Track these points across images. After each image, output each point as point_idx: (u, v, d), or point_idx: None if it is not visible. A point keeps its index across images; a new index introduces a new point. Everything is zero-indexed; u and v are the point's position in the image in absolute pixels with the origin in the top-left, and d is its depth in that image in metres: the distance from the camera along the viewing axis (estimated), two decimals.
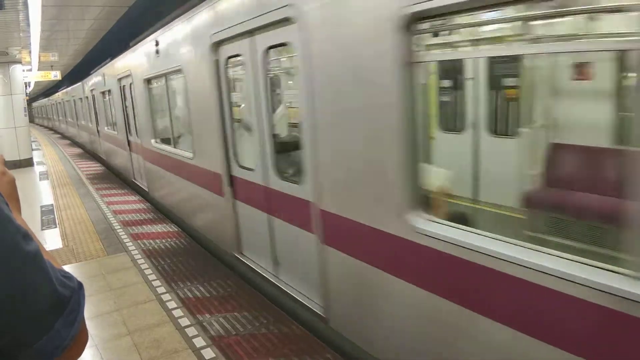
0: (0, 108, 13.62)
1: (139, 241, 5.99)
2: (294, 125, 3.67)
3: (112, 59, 9.44)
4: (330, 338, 3.26)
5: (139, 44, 7.14)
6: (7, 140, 13.71)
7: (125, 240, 6.06)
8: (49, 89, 35.48)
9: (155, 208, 7.69)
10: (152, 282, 4.64)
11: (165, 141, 6.82)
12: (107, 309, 4.11)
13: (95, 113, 13.33)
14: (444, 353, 2.37)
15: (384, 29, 2.29)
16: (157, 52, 6.16)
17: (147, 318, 3.90)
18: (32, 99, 46.74)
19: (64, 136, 26.90)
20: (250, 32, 3.63)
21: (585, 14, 3.26)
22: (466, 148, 5.28)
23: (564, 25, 3.46)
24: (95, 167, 13.44)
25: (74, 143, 21.51)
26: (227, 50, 4.13)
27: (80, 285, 0.82)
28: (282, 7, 3.05)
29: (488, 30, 4.02)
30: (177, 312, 3.96)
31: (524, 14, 2.86)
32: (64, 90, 22.89)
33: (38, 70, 17.07)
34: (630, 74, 3.42)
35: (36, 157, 15.56)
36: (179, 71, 5.40)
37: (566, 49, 4.04)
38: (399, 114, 2.32)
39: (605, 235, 3.26)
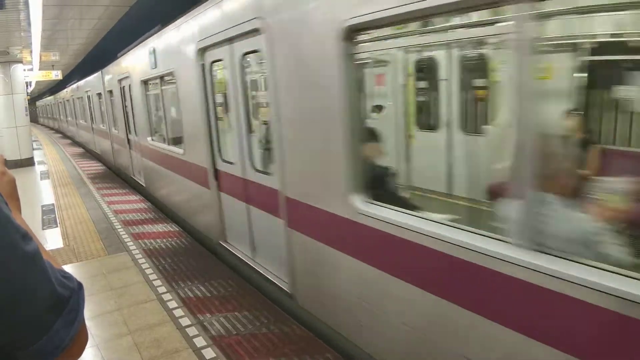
0: (1, 107, 13.64)
1: (139, 241, 5.99)
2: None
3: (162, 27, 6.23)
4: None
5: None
6: (8, 139, 13.73)
7: (126, 240, 6.06)
8: (54, 87, 31.46)
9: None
10: (153, 282, 4.64)
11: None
12: (108, 308, 4.11)
13: (125, 113, 9.36)
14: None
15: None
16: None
17: (147, 318, 3.90)
18: (35, 97, 44.48)
19: (76, 143, 21.05)
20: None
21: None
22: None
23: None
24: (96, 167, 13.44)
25: (96, 158, 15.46)
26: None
27: (80, 286, 0.82)
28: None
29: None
30: (178, 312, 3.96)
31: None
32: (75, 85, 18.19)
33: (39, 69, 17.08)
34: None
35: (37, 156, 15.58)
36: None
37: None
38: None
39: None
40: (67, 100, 22.01)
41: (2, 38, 11.23)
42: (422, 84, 6.31)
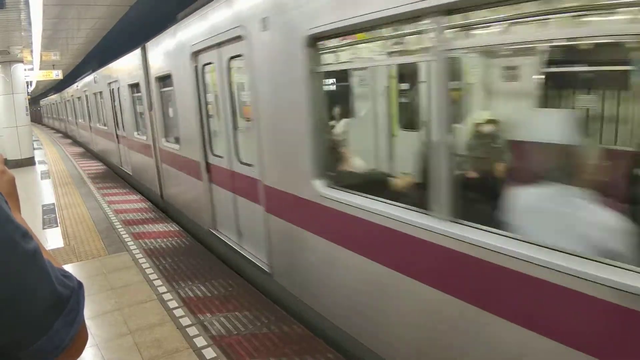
0: (1, 107, 13.65)
1: (140, 240, 5.99)
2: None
3: None
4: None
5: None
6: (8, 139, 13.75)
7: (126, 240, 6.06)
8: (59, 83, 25.92)
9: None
10: (153, 282, 4.63)
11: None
12: (108, 308, 4.11)
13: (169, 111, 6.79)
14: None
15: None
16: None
17: (148, 317, 3.90)
18: (39, 95, 41.80)
19: (89, 152, 16.80)
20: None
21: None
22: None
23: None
24: (96, 166, 13.44)
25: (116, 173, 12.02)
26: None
27: (80, 285, 0.82)
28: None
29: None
30: (178, 312, 3.96)
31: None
32: (91, 77, 13.22)
33: (40, 69, 17.10)
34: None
35: (38, 156, 15.60)
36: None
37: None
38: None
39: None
40: (79, 98, 17.19)
41: (2, 38, 11.24)
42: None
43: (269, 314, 3.81)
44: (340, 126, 4.90)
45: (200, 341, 3.47)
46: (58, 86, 29.04)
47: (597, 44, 3.19)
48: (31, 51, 13.21)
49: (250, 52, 3.76)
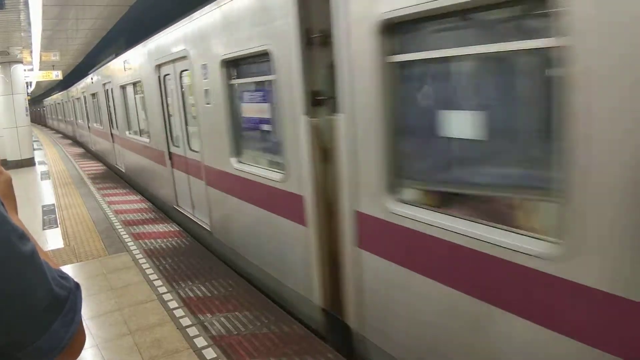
0: (1, 108, 13.65)
1: (140, 241, 5.99)
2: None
3: None
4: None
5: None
6: (8, 139, 13.75)
7: (126, 240, 6.06)
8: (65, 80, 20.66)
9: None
10: (153, 282, 4.64)
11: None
12: (108, 308, 4.11)
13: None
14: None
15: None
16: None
17: (148, 318, 3.90)
18: (41, 95, 40.63)
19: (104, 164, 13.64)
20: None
21: None
22: None
23: None
24: (96, 167, 13.44)
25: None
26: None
27: (77, 286, 0.81)
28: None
29: None
30: (178, 312, 3.96)
31: None
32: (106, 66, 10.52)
33: (39, 70, 17.10)
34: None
35: (38, 156, 15.60)
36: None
37: None
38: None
39: None
40: (94, 95, 13.00)
41: (2, 38, 11.24)
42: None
43: (269, 314, 3.81)
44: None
45: (200, 341, 3.47)
46: (67, 82, 22.48)
47: None
48: (31, 52, 13.21)
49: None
